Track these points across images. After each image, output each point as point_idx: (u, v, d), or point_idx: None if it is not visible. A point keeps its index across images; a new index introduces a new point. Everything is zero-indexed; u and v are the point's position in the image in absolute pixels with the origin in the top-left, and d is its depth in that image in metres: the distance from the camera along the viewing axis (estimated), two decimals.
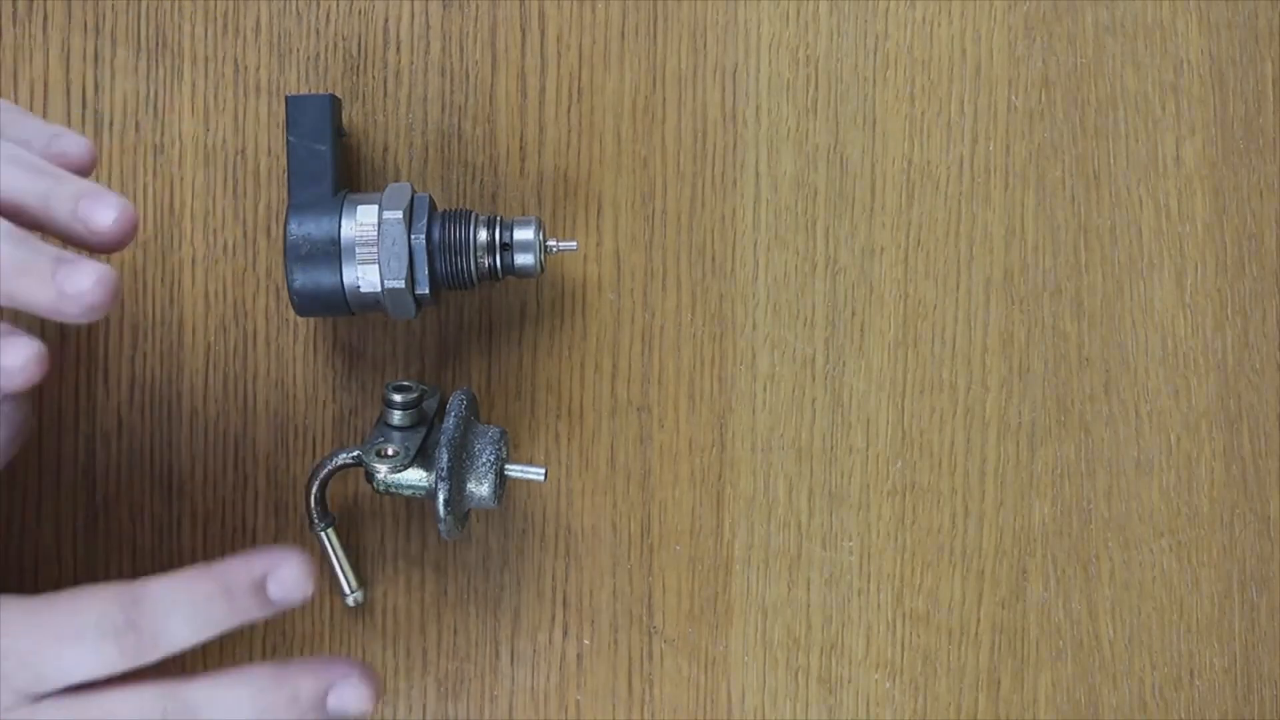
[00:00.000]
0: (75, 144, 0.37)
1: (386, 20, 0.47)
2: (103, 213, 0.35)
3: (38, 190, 0.35)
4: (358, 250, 0.41)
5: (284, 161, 0.46)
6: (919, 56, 0.48)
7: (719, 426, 0.47)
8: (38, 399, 0.46)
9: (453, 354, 0.47)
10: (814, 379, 0.48)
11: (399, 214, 0.41)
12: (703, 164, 0.48)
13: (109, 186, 0.46)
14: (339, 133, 0.44)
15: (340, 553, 0.45)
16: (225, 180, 0.46)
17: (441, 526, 0.41)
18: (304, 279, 0.41)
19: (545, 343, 0.47)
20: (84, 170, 0.37)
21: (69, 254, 0.34)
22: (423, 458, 0.42)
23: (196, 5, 0.46)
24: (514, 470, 0.43)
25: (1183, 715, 0.48)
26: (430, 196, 0.42)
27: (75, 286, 0.33)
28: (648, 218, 0.48)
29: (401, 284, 0.41)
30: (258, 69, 0.47)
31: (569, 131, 0.47)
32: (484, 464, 0.42)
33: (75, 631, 0.35)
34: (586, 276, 0.47)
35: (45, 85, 0.46)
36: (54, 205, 0.35)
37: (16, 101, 0.46)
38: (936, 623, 0.48)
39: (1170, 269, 0.49)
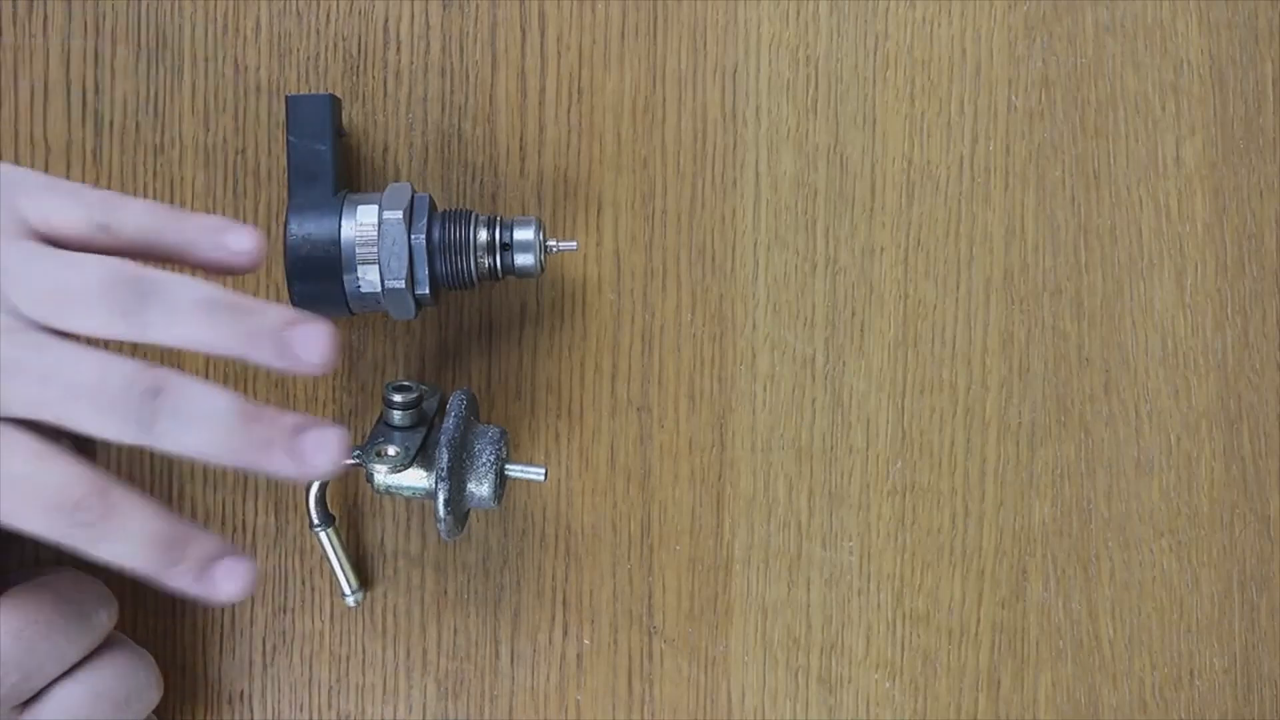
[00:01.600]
0: (243, 240, 0.37)
1: (386, 20, 0.47)
2: (311, 347, 0.35)
3: (241, 332, 0.35)
4: (358, 250, 0.41)
5: (284, 161, 0.46)
6: (919, 56, 0.48)
7: (719, 426, 0.47)
8: None
9: (453, 354, 0.47)
10: (814, 379, 0.48)
11: (399, 214, 0.41)
12: (703, 164, 0.48)
13: (111, 189, 0.46)
14: (339, 133, 0.44)
15: (340, 553, 0.45)
16: (225, 180, 0.46)
17: (441, 526, 0.41)
18: (304, 279, 0.41)
19: (545, 343, 0.47)
20: (256, 266, 0.37)
21: (305, 421, 0.35)
22: (423, 458, 0.42)
23: (196, 5, 0.46)
24: (514, 470, 0.43)
25: (1183, 715, 0.48)
26: (430, 196, 0.42)
27: (318, 459, 0.35)
28: (648, 218, 0.48)
29: (401, 284, 0.41)
30: (258, 69, 0.47)
31: (569, 131, 0.47)
32: (484, 464, 0.42)
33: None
34: (586, 276, 0.47)
35: (45, 85, 0.46)
36: (260, 345, 0.35)
37: (17, 102, 0.46)
38: (936, 623, 0.48)
39: (1170, 269, 0.49)
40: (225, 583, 0.36)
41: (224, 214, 0.46)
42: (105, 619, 0.40)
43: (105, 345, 0.36)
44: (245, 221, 0.46)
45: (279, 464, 0.35)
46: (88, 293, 0.34)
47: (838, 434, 0.48)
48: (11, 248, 0.35)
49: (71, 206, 0.36)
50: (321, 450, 0.35)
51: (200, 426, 0.34)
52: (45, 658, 0.38)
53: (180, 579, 0.35)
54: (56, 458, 0.35)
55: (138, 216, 0.36)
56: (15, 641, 0.37)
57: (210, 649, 0.46)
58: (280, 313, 0.35)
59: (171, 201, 0.46)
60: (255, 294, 0.46)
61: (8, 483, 0.34)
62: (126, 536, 0.35)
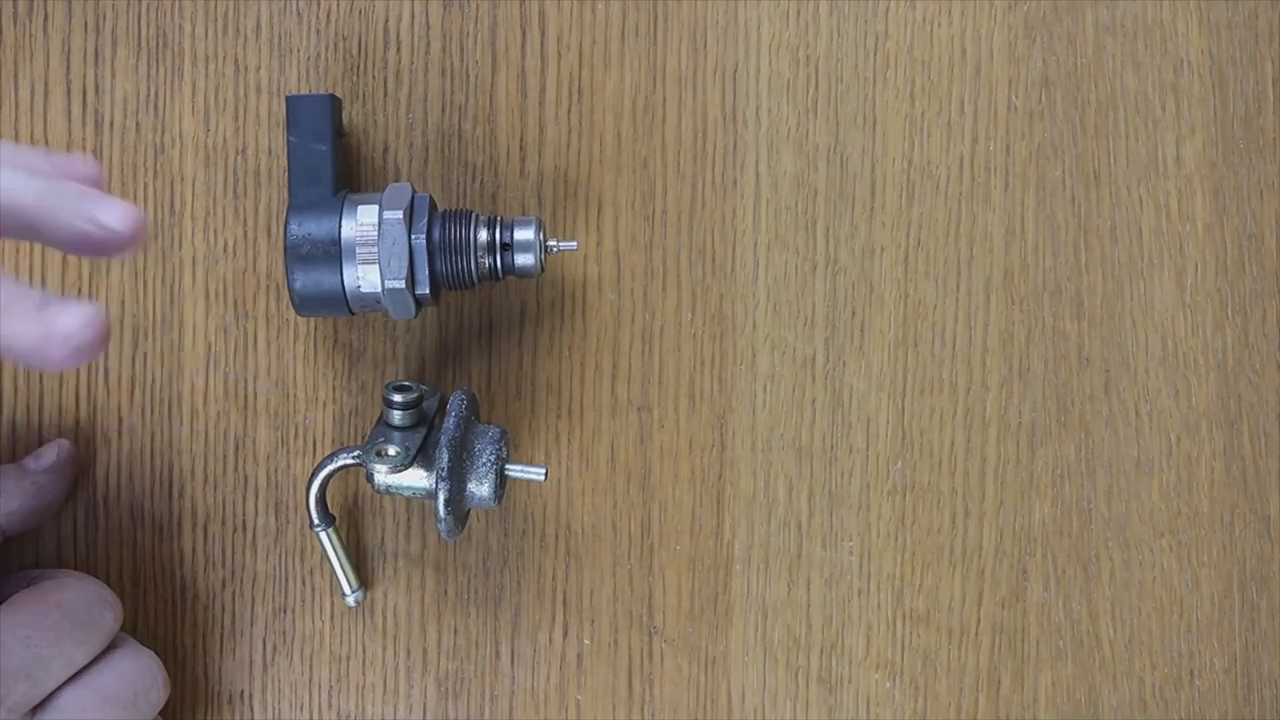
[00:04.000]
0: (82, 161, 0.34)
1: (386, 20, 0.47)
2: (112, 212, 0.32)
3: (36, 189, 0.32)
4: (358, 250, 0.41)
5: (284, 161, 0.46)
6: (919, 56, 0.48)
7: (719, 426, 0.47)
8: (38, 407, 0.46)
9: (453, 354, 0.47)
10: (814, 379, 0.48)
11: (399, 214, 0.41)
12: (703, 164, 0.48)
13: (111, 189, 0.46)
14: (339, 133, 0.44)
15: (340, 553, 0.45)
16: (225, 180, 0.46)
17: (441, 526, 0.41)
18: (304, 279, 0.41)
19: (545, 343, 0.47)
20: (90, 183, 0.34)
21: (55, 296, 0.31)
22: (423, 458, 0.42)
23: (196, 5, 0.46)
24: (514, 470, 0.43)
25: (1183, 715, 0.48)
26: (430, 196, 0.42)
27: (64, 328, 0.31)
28: (648, 218, 0.48)
29: (401, 284, 0.41)
30: (258, 69, 0.47)
31: (569, 131, 0.47)
32: (484, 464, 0.42)
33: None
34: (586, 276, 0.47)
35: (45, 85, 0.46)
36: (56, 204, 0.32)
37: (17, 102, 0.46)
38: (936, 623, 0.48)
39: (1170, 269, 0.49)
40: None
41: (224, 214, 0.46)
42: (110, 621, 0.40)
43: None
44: (244, 223, 0.46)
45: (17, 332, 0.31)
46: None
47: (838, 434, 0.48)
48: None
49: None
50: (63, 322, 0.31)
51: None
52: (52, 663, 0.38)
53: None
54: None
55: (9, 178, 0.33)
56: (22, 648, 0.37)
57: (210, 649, 0.46)
58: (85, 187, 0.33)
59: (171, 201, 0.46)
60: (256, 293, 0.46)
61: None
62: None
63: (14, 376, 0.46)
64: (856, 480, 0.48)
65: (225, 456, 0.46)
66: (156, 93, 0.46)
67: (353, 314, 0.43)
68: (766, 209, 0.48)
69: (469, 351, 0.47)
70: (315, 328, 0.46)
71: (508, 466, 0.42)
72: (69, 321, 0.31)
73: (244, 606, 0.46)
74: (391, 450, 0.41)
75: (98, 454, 0.46)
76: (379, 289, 0.41)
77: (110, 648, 0.40)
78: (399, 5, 0.47)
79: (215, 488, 0.46)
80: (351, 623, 0.47)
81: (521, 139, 0.47)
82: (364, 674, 0.47)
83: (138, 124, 0.46)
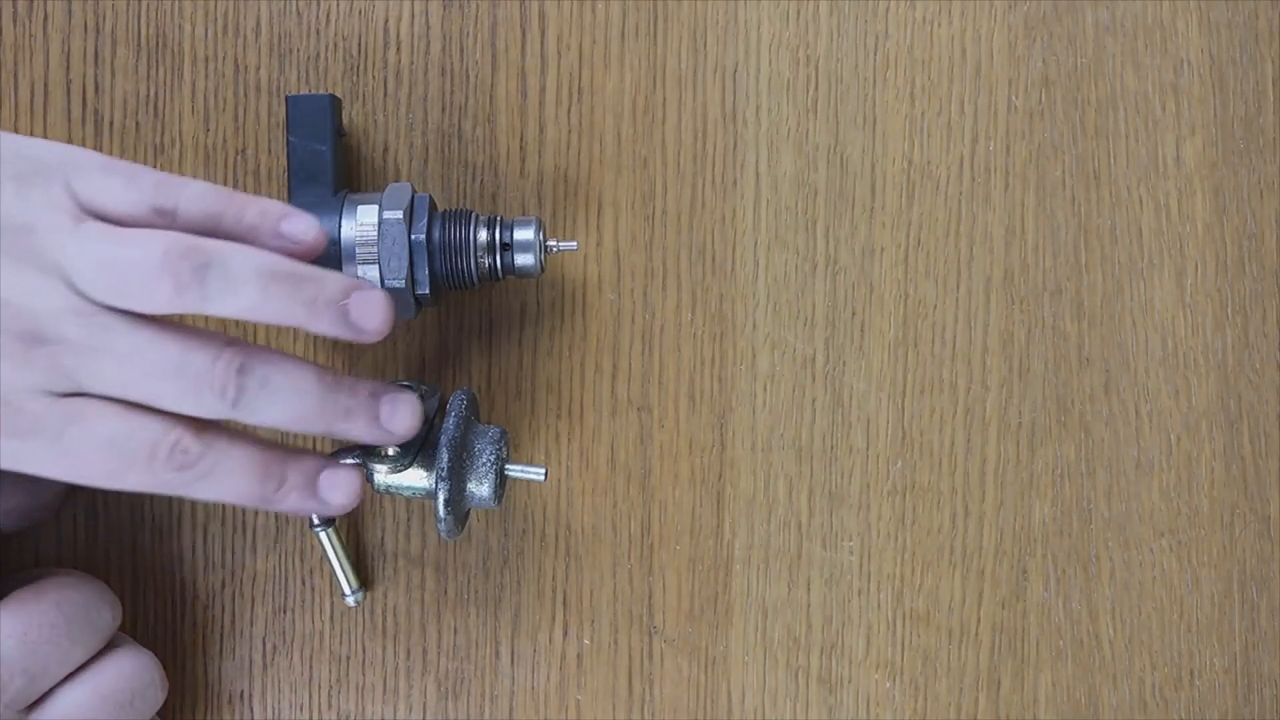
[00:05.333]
0: (303, 227, 0.37)
1: (386, 20, 0.47)
2: (370, 315, 0.36)
3: (302, 300, 0.35)
4: (358, 250, 0.41)
5: (284, 161, 0.46)
6: (919, 56, 0.48)
7: (719, 426, 0.47)
8: None
9: (453, 354, 0.47)
10: (814, 379, 0.48)
11: (399, 214, 0.41)
12: (703, 164, 0.48)
13: None
14: (339, 133, 0.44)
15: (340, 553, 0.45)
16: (225, 180, 0.46)
17: (441, 526, 0.41)
18: None
19: (545, 343, 0.47)
20: (317, 253, 0.37)
21: (382, 388, 0.38)
22: (423, 458, 0.42)
23: (196, 5, 0.46)
24: (514, 470, 0.43)
25: (1183, 715, 0.48)
26: (430, 196, 0.42)
27: (397, 424, 0.38)
28: (648, 218, 0.48)
29: (402, 284, 0.41)
30: (258, 69, 0.47)
31: (569, 131, 0.47)
32: (484, 464, 0.42)
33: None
34: (586, 276, 0.47)
35: (45, 85, 0.46)
36: (321, 314, 0.36)
37: (17, 102, 0.46)
38: (936, 623, 0.48)
39: (1170, 269, 0.49)
40: (332, 494, 0.38)
41: None
42: (109, 620, 0.40)
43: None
44: None
45: (361, 430, 0.37)
46: (147, 269, 0.34)
47: (838, 434, 0.48)
48: (69, 230, 0.35)
49: (127, 189, 0.36)
50: (399, 415, 0.37)
51: (286, 398, 0.35)
52: (50, 660, 0.38)
53: (288, 501, 0.37)
54: (142, 412, 0.35)
55: (196, 200, 0.36)
56: (20, 645, 0.37)
57: (210, 649, 0.46)
58: (338, 281, 0.36)
59: None
60: None
61: (104, 445, 0.35)
62: (227, 471, 0.36)
63: None
64: (856, 480, 0.48)
65: None
66: (156, 93, 0.46)
67: None
68: (766, 209, 0.48)
69: (469, 351, 0.47)
70: None
71: (508, 466, 0.42)
72: (402, 423, 0.38)
73: (244, 606, 0.46)
74: (391, 450, 0.41)
75: None
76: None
77: (109, 647, 0.40)
78: (399, 5, 0.47)
79: None
80: (351, 623, 0.47)
81: (521, 139, 0.47)
82: (364, 674, 0.47)
83: (138, 124, 0.46)
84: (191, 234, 0.35)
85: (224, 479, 0.36)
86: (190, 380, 0.35)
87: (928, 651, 0.48)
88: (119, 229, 0.35)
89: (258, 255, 0.35)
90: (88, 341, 0.34)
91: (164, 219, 0.36)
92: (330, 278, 0.36)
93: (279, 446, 0.38)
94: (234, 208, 0.36)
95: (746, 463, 0.48)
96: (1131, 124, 0.49)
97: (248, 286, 0.35)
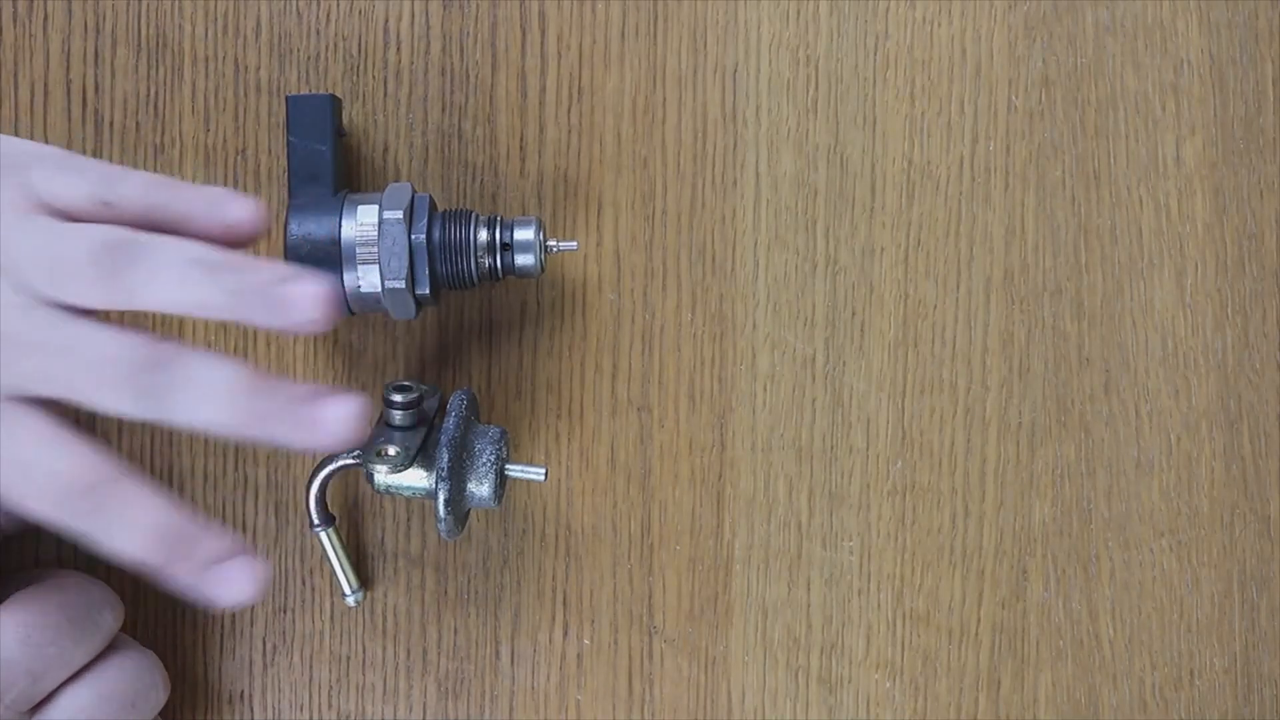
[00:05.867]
0: (241, 210, 0.36)
1: (386, 20, 0.47)
2: (302, 305, 0.34)
3: (226, 289, 0.34)
4: (358, 250, 0.41)
5: (284, 161, 0.46)
6: (919, 56, 0.48)
7: (719, 426, 0.47)
8: None
9: (453, 354, 0.47)
10: (814, 379, 0.48)
11: (399, 214, 0.41)
12: (703, 164, 0.48)
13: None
14: (339, 133, 0.44)
15: (340, 553, 0.45)
16: (225, 180, 0.46)
17: (441, 526, 0.41)
18: None
19: (545, 343, 0.47)
20: (256, 237, 0.36)
21: (316, 391, 0.34)
22: (423, 458, 0.42)
23: (196, 5, 0.46)
24: (514, 470, 0.43)
25: (1183, 715, 0.48)
26: (430, 196, 0.42)
27: (325, 430, 0.34)
28: (648, 218, 0.48)
29: (401, 284, 0.41)
30: (258, 69, 0.47)
31: (569, 131, 0.47)
32: (484, 464, 0.42)
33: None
34: (586, 276, 0.47)
35: (45, 85, 0.46)
36: (248, 304, 0.34)
37: (17, 102, 0.46)
38: (936, 623, 0.48)
39: (1170, 269, 0.49)
40: (229, 585, 0.34)
41: None
42: (111, 621, 0.40)
43: (119, 320, 0.35)
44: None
45: (290, 435, 0.34)
46: (77, 260, 0.34)
47: (838, 434, 0.48)
48: (14, 223, 0.35)
49: (76, 181, 0.36)
50: (334, 421, 0.34)
51: (210, 398, 0.34)
52: (52, 662, 0.38)
53: (183, 576, 0.34)
54: (67, 440, 0.34)
55: (138, 189, 0.36)
56: (22, 646, 0.37)
57: (210, 649, 0.46)
58: (271, 269, 0.34)
59: None
60: None
61: (13, 465, 0.33)
62: (132, 527, 0.34)
63: None
64: (856, 480, 0.48)
65: (225, 456, 0.46)
66: (156, 93, 0.46)
67: (353, 314, 0.43)
68: (766, 209, 0.48)
69: (469, 351, 0.47)
70: None
71: (508, 466, 0.42)
72: (337, 431, 0.34)
73: (244, 607, 0.46)
74: (391, 450, 0.41)
75: None
76: (379, 289, 0.41)
77: (110, 648, 0.40)
78: (399, 5, 0.47)
79: (215, 488, 0.46)
80: (351, 623, 0.47)
81: (521, 139, 0.47)
82: (364, 674, 0.47)
83: (138, 124, 0.46)
84: (137, 225, 0.35)
85: (127, 535, 0.34)
86: (113, 376, 0.33)
87: (928, 651, 0.48)
88: (60, 223, 0.35)
89: (186, 245, 0.34)
90: (19, 333, 0.34)
91: (108, 211, 0.36)
92: (263, 265, 0.34)
93: (195, 517, 0.35)
94: (172, 197, 0.36)
95: (746, 463, 0.48)
96: (1131, 124, 0.49)
97: (172, 277, 0.34)
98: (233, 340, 0.46)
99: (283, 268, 0.35)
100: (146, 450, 0.46)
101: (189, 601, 0.46)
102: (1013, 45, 0.48)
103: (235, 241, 0.36)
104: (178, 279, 0.34)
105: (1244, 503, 0.48)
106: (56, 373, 0.34)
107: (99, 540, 0.34)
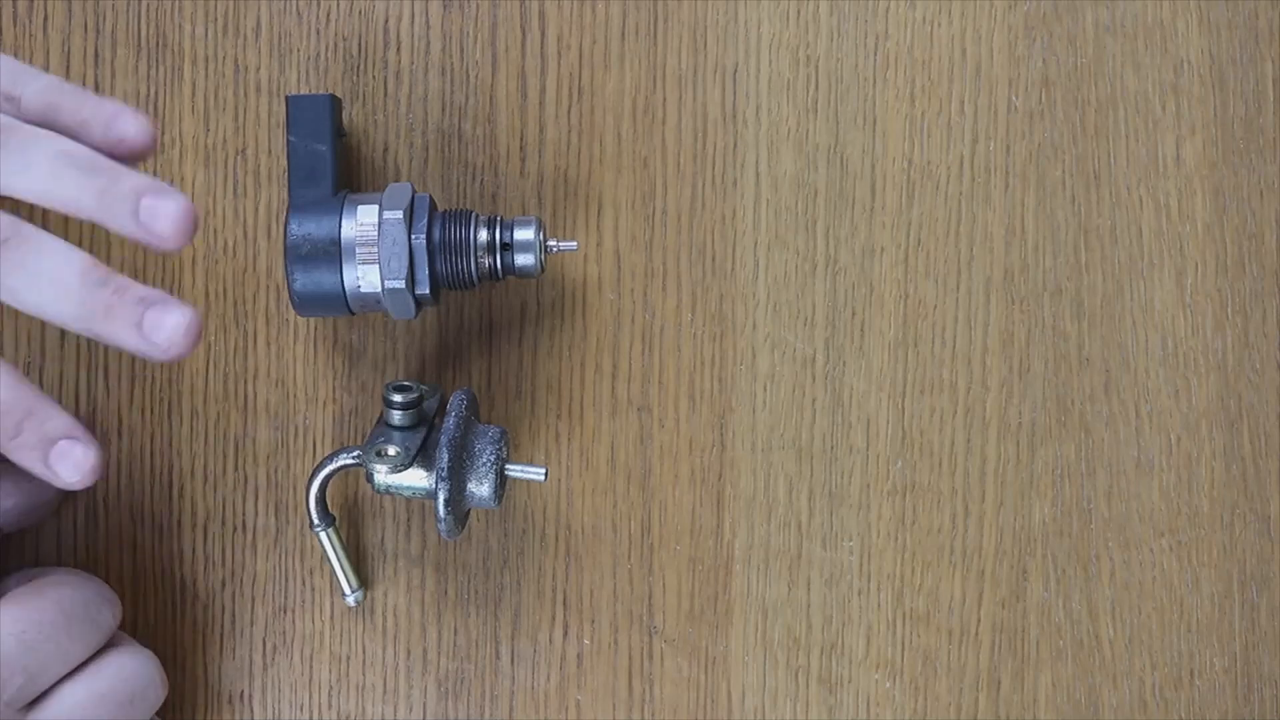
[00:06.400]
0: (134, 126, 0.36)
1: (386, 20, 0.47)
2: (164, 216, 0.34)
3: (94, 188, 0.34)
4: (358, 250, 0.41)
5: (284, 161, 0.46)
6: (919, 56, 0.48)
7: (719, 426, 0.47)
8: None
9: (453, 354, 0.47)
10: (814, 379, 0.48)
11: (399, 214, 0.41)
12: (703, 164, 0.48)
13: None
14: (339, 133, 0.44)
15: (340, 553, 0.45)
16: (225, 180, 0.46)
17: (441, 526, 0.41)
18: (304, 279, 0.41)
19: (545, 343, 0.47)
20: (143, 154, 0.36)
21: (154, 294, 0.34)
22: (423, 458, 0.42)
23: (196, 5, 0.46)
24: (514, 470, 0.43)
25: (1183, 715, 0.48)
26: (430, 196, 0.42)
27: (161, 334, 0.34)
28: (648, 218, 0.48)
29: (401, 284, 0.41)
30: (258, 69, 0.47)
31: (569, 131, 0.47)
32: (484, 464, 0.42)
33: None
34: (586, 276, 0.47)
35: None
36: (113, 206, 0.34)
37: None
38: (936, 623, 0.48)
39: (1170, 269, 0.49)
40: (61, 464, 0.35)
41: (224, 214, 0.46)
42: (109, 619, 0.40)
43: None
44: (244, 223, 0.46)
45: (122, 334, 0.34)
46: None
47: (838, 434, 0.48)
48: None
49: None
50: (164, 326, 0.34)
51: (43, 284, 0.34)
52: (49, 659, 0.38)
53: (18, 455, 0.35)
54: None
55: (40, 91, 0.36)
56: (19, 643, 0.37)
57: (210, 649, 0.46)
58: (138, 179, 0.35)
59: None
60: (256, 293, 0.46)
61: None
62: None
63: None
64: (856, 480, 0.48)
65: (225, 456, 0.46)
66: (156, 93, 0.46)
67: (353, 314, 0.43)
68: (766, 209, 0.48)
69: (469, 351, 0.47)
70: (315, 328, 0.46)
71: (508, 466, 0.42)
72: (168, 331, 0.34)
73: (244, 606, 0.46)
74: (391, 450, 0.41)
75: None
76: (379, 289, 0.41)
77: (108, 647, 0.40)
78: (399, 5, 0.47)
79: (215, 488, 0.46)
80: (351, 623, 0.47)
81: (521, 139, 0.47)
82: (364, 674, 0.47)
83: None
84: (35, 124, 0.35)
85: None
86: None
87: (928, 651, 0.48)
88: None
89: (59, 140, 0.35)
90: None
91: (10, 105, 0.36)
92: (130, 175, 0.35)
93: (37, 394, 0.35)
94: (72, 101, 0.36)
95: (746, 463, 0.48)
96: (1131, 124, 0.49)
97: (41, 166, 0.34)
98: (231, 340, 0.46)
99: (154, 181, 0.35)
100: (146, 451, 0.46)
101: (188, 601, 0.46)
102: (1013, 45, 0.48)
103: (125, 156, 0.36)
104: (49, 170, 0.34)
105: (1244, 503, 0.48)
106: None
107: None
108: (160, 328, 0.34)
